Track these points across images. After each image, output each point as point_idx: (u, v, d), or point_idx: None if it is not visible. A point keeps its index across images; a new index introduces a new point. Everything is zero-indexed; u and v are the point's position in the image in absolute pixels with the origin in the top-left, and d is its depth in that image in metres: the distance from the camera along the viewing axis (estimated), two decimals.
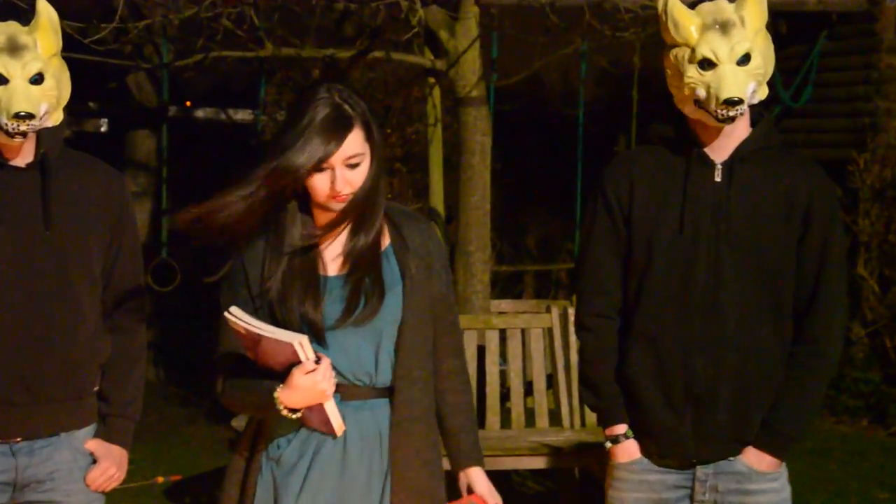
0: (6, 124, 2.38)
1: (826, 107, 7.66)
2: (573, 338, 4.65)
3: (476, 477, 2.31)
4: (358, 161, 2.14)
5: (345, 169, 2.13)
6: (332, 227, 2.19)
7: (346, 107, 2.13)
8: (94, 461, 2.56)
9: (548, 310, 4.97)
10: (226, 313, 2.06)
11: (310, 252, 2.19)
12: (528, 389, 5.02)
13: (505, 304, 6.13)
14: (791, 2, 7.19)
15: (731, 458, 2.46)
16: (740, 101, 2.34)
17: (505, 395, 4.91)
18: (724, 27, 2.37)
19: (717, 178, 2.44)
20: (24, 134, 2.40)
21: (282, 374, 2.08)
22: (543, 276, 9.03)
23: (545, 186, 9.24)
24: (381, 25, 5.73)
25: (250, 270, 2.18)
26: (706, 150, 2.45)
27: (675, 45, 2.42)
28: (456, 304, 2.40)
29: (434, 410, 2.28)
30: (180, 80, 8.06)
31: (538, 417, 4.73)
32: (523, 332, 4.88)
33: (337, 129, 2.11)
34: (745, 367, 2.42)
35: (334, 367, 2.13)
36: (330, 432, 2.11)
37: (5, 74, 2.39)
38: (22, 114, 2.36)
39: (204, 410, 6.62)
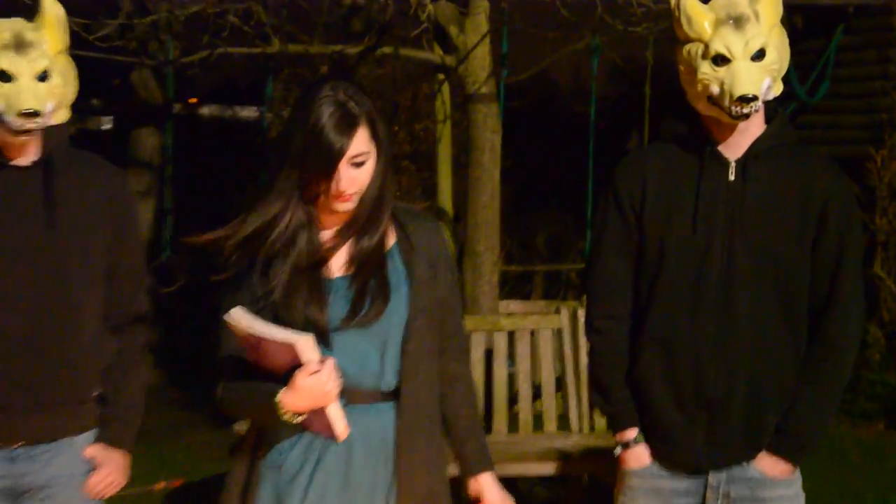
0: (12, 122, 2.38)
1: (842, 102, 7.63)
2: (583, 340, 4.63)
3: (487, 483, 2.29)
4: (363, 160, 2.13)
5: (349, 168, 2.12)
6: (342, 230, 2.19)
7: (352, 104, 2.12)
8: (95, 467, 2.55)
9: (557, 311, 4.96)
10: (225, 316, 2.05)
11: (315, 253, 2.18)
12: (537, 393, 5.00)
13: (514, 305, 6.11)
14: None
15: (745, 464, 2.45)
16: (755, 98, 2.33)
17: (513, 399, 4.90)
18: (739, 22, 2.36)
19: (731, 177, 2.42)
20: (29, 132, 2.40)
21: (283, 378, 2.06)
22: (553, 276, 9.02)
23: (555, 185, 9.23)
24: (389, 21, 5.72)
25: (254, 272, 2.17)
26: (720, 147, 2.44)
27: (689, 41, 2.41)
28: (461, 307, 2.39)
29: (439, 415, 2.27)
30: (185, 77, 8.07)
31: (547, 421, 4.71)
32: (532, 333, 4.87)
33: (342, 129, 2.10)
34: (759, 369, 2.41)
35: (339, 370, 2.12)
36: (333, 437, 2.10)
37: (12, 72, 2.39)
38: (29, 111, 2.36)
39: (205, 414, 6.62)
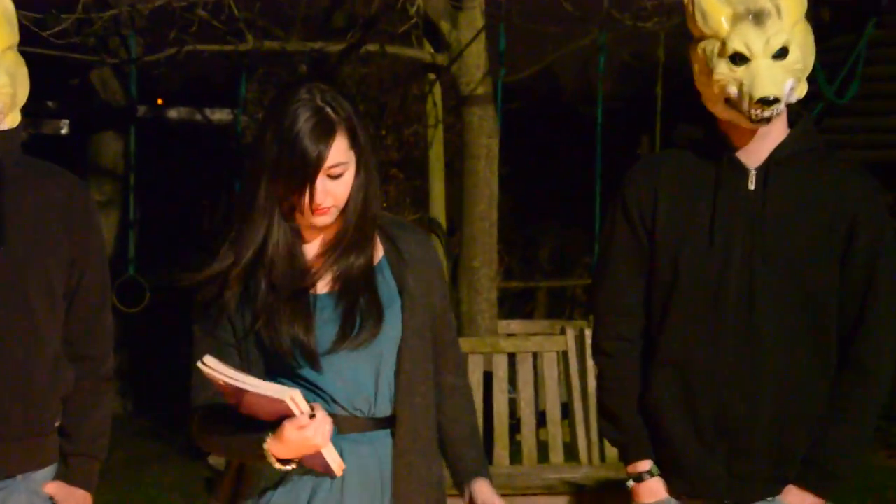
0: None
1: (874, 103, 7.67)
2: (591, 363, 4.64)
3: (484, 486, 2.30)
4: (340, 171, 2.15)
5: (326, 180, 2.14)
6: (327, 247, 2.21)
7: (329, 110, 2.14)
8: None
9: (562, 331, 4.98)
10: (200, 364, 2.05)
11: (296, 269, 2.20)
12: (541, 420, 5.02)
13: (514, 325, 6.14)
14: None
15: (770, 499, 2.45)
16: (776, 100, 2.35)
17: (515, 427, 4.91)
18: (759, 17, 2.37)
19: (751, 186, 2.44)
20: None
21: (271, 423, 2.07)
22: (557, 293, 9.04)
23: (559, 193, 9.25)
24: (375, 15, 5.75)
25: (230, 299, 2.18)
26: (738, 154, 2.45)
27: (704, 38, 2.42)
28: (455, 322, 2.42)
29: (437, 437, 2.30)
30: (150, 77, 8.09)
31: (552, 452, 4.73)
32: (535, 356, 4.88)
33: (318, 137, 2.12)
34: (785, 396, 2.42)
35: (330, 396, 2.15)
36: (328, 473, 2.12)
37: None
38: None
39: (177, 446, 6.61)
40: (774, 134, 2.44)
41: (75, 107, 8.83)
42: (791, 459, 2.44)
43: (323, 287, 2.21)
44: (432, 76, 6.00)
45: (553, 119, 9.54)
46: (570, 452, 4.74)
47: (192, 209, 9.81)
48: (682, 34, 2.58)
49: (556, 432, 4.77)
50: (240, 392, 2.05)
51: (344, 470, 2.12)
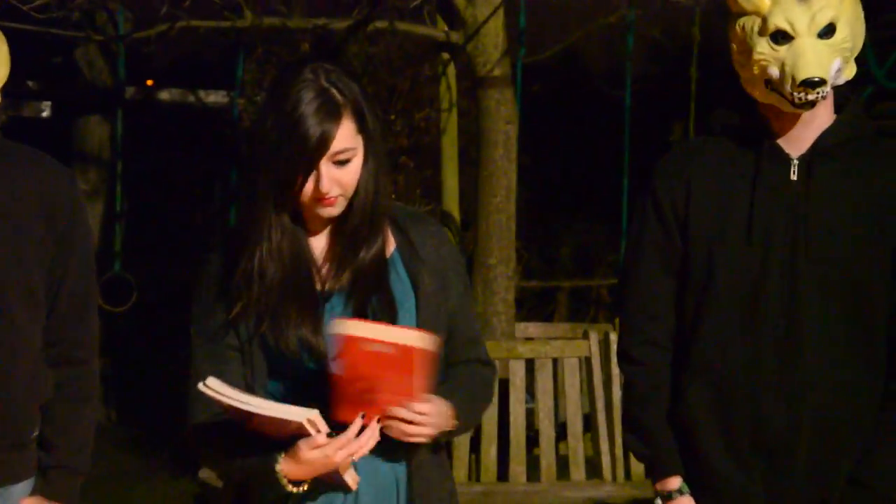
0: None
1: None
2: (616, 370, 4.64)
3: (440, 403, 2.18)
4: (347, 157, 2.16)
5: (332, 167, 2.15)
6: (334, 240, 2.22)
7: (334, 91, 2.14)
8: None
9: (585, 335, 4.98)
10: (201, 386, 2.06)
11: (302, 265, 2.20)
12: (561, 433, 5.02)
13: (533, 328, 6.14)
14: None
15: None
16: (822, 83, 2.34)
17: (532, 440, 4.91)
18: None
19: (794, 177, 2.44)
20: None
21: (282, 442, 2.08)
22: (580, 294, 9.04)
23: (583, 185, 9.25)
24: None
25: (232, 291, 2.19)
26: (780, 141, 2.45)
27: (743, 14, 2.42)
28: (477, 318, 2.41)
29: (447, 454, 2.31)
30: (140, 56, 8.09)
31: (573, 468, 4.73)
32: (555, 362, 4.89)
33: (323, 120, 2.12)
34: (829, 409, 2.42)
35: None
36: (343, 487, 2.13)
37: None
38: None
39: (164, 458, 6.63)
40: (819, 120, 2.44)
41: (58, 88, 8.86)
42: (835, 479, 2.44)
43: (331, 284, 2.22)
44: (446, 56, 6.00)
45: (577, 104, 9.53)
46: (593, 468, 4.75)
47: (183, 200, 9.84)
48: (719, 10, 2.57)
49: (577, 446, 4.78)
50: (247, 414, 2.05)
51: (358, 482, 2.13)
